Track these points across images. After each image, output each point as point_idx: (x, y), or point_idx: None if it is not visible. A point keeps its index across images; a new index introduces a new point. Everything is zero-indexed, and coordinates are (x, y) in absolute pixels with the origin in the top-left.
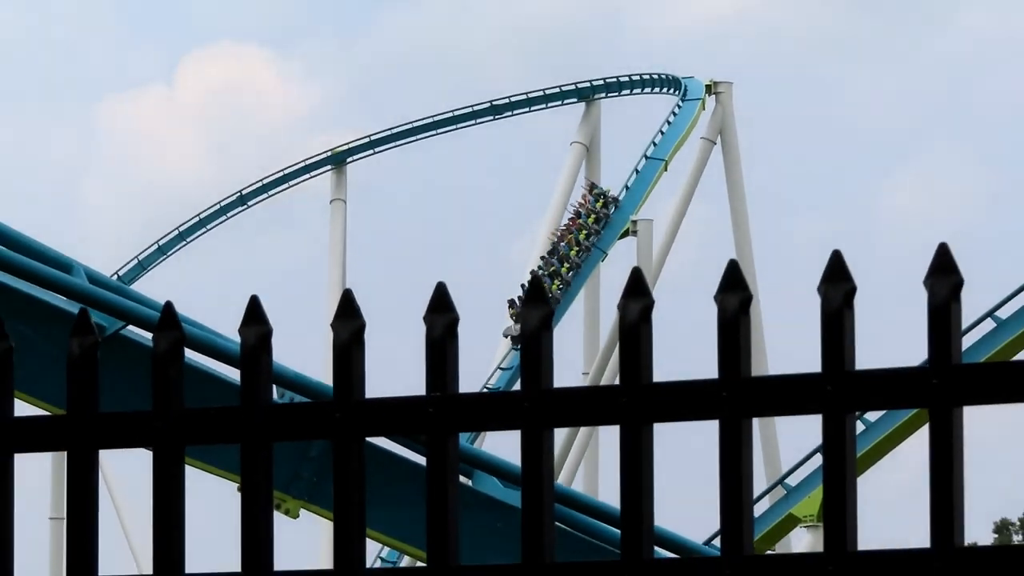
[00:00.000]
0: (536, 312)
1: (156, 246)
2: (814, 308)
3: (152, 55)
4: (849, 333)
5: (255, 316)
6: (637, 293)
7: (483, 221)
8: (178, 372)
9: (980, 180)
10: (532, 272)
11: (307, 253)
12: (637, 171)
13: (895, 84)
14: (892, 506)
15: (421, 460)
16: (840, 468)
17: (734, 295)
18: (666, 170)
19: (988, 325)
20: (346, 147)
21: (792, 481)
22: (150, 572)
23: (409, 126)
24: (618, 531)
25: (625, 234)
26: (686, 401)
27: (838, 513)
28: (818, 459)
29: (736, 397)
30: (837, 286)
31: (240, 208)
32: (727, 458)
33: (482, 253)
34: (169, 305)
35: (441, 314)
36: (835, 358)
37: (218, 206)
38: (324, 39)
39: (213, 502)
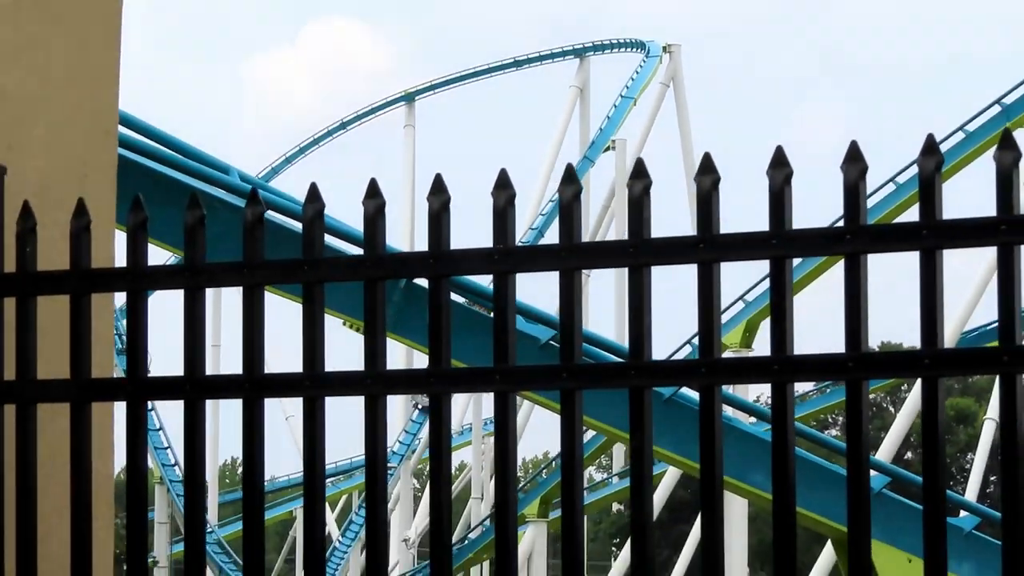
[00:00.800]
0: (569, 189)
1: (284, 157)
2: (752, 199)
3: (281, 26)
4: (788, 204)
5: (373, 192)
6: (640, 175)
7: (509, 139)
8: (320, 230)
9: (852, 109)
10: (568, 164)
11: (388, 162)
12: (615, 106)
13: (794, 43)
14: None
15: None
16: (782, 297)
17: (708, 176)
18: (635, 105)
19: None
20: (415, 89)
21: (722, 319)
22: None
23: (459, 74)
24: (613, 357)
25: (608, 149)
26: (674, 250)
27: (780, 327)
28: (740, 304)
29: (709, 247)
30: (780, 170)
31: (342, 131)
32: (703, 292)
33: (507, 160)
34: (314, 185)
35: (503, 190)
36: (778, 221)
37: (326, 130)
38: (401, 16)
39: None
